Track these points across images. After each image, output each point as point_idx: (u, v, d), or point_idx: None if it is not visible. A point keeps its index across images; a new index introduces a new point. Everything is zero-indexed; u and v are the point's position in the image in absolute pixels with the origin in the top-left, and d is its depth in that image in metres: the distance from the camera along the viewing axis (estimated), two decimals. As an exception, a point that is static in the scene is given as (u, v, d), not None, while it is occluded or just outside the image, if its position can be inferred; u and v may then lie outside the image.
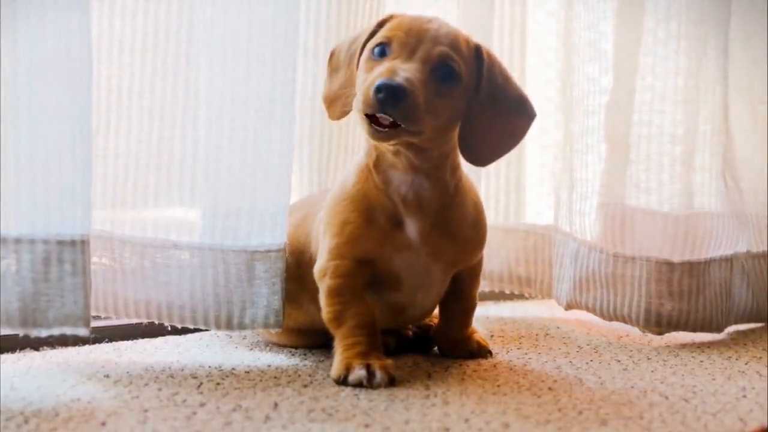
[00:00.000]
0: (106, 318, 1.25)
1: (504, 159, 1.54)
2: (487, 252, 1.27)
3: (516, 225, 1.65)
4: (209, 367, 1.16)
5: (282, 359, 1.22)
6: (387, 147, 1.11)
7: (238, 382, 1.09)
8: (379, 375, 1.07)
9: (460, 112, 1.11)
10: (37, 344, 1.22)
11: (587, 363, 1.25)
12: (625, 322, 1.46)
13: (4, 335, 1.16)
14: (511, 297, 1.76)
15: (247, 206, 1.19)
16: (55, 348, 1.23)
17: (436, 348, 1.29)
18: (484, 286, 1.58)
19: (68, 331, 1.04)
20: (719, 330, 1.48)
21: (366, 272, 1.14)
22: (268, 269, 1.19)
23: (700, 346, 1.41)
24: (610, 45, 1.49)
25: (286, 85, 1.19)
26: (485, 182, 1.61)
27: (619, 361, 1.28)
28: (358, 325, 1.12)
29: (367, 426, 0.92)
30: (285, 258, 1.20)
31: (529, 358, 1.27)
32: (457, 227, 1.17)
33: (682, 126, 1.49)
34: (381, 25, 1.13)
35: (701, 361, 1.29)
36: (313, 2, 1.38)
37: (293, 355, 1.25)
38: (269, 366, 1.18)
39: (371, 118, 1.04)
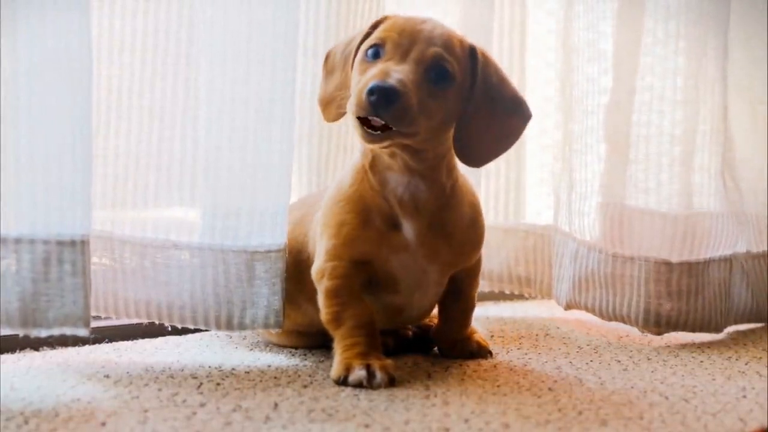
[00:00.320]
0: (106, 318, 1.25)
1: (503, 159, 1.55)
2: (486, 252, 1.27)
3: (515, 225, 1.65)
4: (209, 367, 1.16)
5: (282, 359, 1.22)
6: (380, 149, 1.10)
7: (238, 383, 1.09)
8: (379, 375, 1.07)
9: (454, 113, 1.11)
10: (37, 344, 1.22)
11: (587, 363, 1.25)
12: (624, 322, 1.46)
13: (4, 335, 1.16)
14: (511, 297, 1.77)
15: (247, 206, 1.19)
16: (55, 348, 1.23)
17: (436, 348, 1.29)
18: (483, 286, 1.58)
19: (68, 331, 1.04)
20: (718, 330, 1.48)
21: (363, 273, 1.14)
22: (268, 269, 1.19)
23: (700, 347, 1.41)
24: (610, 45, 1.49)
25: (286, 85, 1.19)
26: (485, 182, 1.61)
27: (619, 361, 1.28)
28: (357, 325, 1.12)
29: (367, 426, 0.92)
30: (285, 258, 1.20)
31: (529, 359, 1.27)
32: (453, 228, 1.16)
33: (681, 126, 1.49)
34: (375, 26, 1.13)
35: (701, 362, 1.29)
36: (313, 2, 1.38)
37: (293, 355, 1.25)
38: (269, 366, 1.18)
39: (364, 121, 1.04)
